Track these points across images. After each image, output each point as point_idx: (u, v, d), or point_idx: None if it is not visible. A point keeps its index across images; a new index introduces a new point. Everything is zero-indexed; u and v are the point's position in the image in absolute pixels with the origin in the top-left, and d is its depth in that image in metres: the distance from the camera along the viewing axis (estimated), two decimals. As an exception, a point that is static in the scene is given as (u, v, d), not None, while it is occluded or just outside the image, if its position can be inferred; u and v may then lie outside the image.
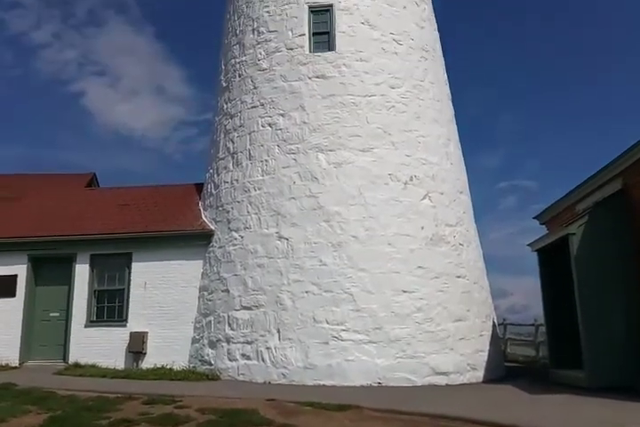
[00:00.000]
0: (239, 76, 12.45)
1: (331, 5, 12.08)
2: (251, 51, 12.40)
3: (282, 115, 11.59)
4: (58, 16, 47.32)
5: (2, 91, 43.75)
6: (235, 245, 11.22)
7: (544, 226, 12.31)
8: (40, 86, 46.43)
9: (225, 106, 12.64)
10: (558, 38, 41.78)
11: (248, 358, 10.29)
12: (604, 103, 42.77)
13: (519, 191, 50.21)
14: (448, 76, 13.44)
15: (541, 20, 42.47)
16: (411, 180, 11.17)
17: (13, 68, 44.84)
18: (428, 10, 13.23)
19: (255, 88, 12.07)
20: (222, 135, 12.44)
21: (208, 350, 10.90)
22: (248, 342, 10.37)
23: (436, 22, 13.62)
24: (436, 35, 13.42)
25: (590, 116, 43.96)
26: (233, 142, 12.07)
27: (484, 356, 10.94)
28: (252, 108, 11.97)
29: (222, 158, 12.20)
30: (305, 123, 11.39)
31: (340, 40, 11.87)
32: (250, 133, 11.82)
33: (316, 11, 12.16)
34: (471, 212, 12.51)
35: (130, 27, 51.12)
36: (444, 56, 13.47)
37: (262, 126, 11.72)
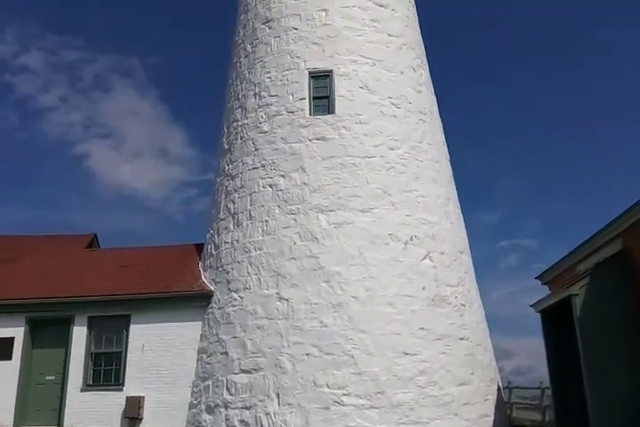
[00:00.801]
0: (241, 139, 12.71)
1: (330, 71, 12.47)
2: (252, 114, 12.72)
3: (282, 176, 11.76)
4: (65, 80, 48.86)
5: (7, 153, 44.55)
6: (234, 306, 11.12)
7: (546, 286, 12.26)
8: (45, 148, 47.34)
9: (226, 167, 12.84)
10: (557, 96, 42.84)
11: (246, 424, 10.00)
12: (604, 162, 43.42)
13: (520, 250, 50.14)
14: (446, 137, 13.74)
15: (539, 78, 43.68)
16: (411, 240, 11.20)
17: (19, 131, 45.86)
18: (424, 75, 13.65)
19: (256, 150, 12.30)
20: (223, 196, 12.58)
21: (205, 416, 10.60)
22: (247, 408, 10.10)
23: (434, 86, 14.04)
24: (433, 98, 13.79)
25: (590, 175, 44.53)
26: (234, 203, 12.18)
27: (490, 421, 10.63)
28: (253, 169, 12.16)
29: (223, 219, 12.28)
30: (305, 184, 11.54)
31: (339, 104, 12.18)
32: (251, 194, 11.95)
33: (315, 76, 12.55)
34: (472, 272, 12.47)
35: (135, 90, 52.70)
36: (441, 118, 13.81)
37: (263, 187, 11.86)
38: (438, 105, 13.82)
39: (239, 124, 12.93)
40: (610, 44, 40.60)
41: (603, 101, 42.09)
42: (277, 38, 13.06)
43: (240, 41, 13.89)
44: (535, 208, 46.58)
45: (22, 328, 12.11)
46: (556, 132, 43.92)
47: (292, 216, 11.33)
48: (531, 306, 10.97)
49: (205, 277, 12.20)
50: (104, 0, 43.39)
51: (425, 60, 14.01)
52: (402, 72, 12.91)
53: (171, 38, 45.09)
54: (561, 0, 41.47)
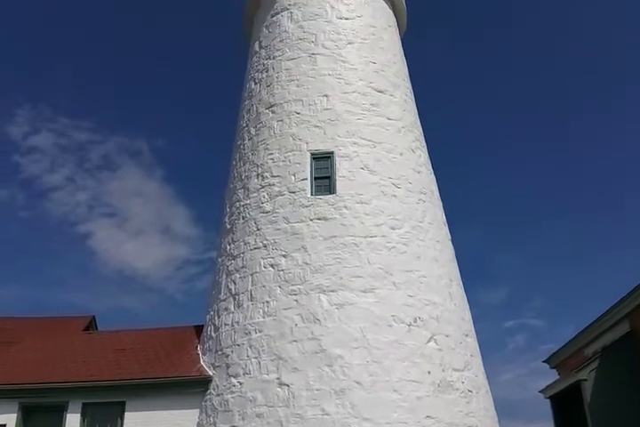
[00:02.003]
0: (243, 219, 12.79)
1: (331, 153, 12.76)
2: (255, 194, 12.88)
3: (284, 256, 11.72)
4: (72, 161, 49.86)
5: (9, 231, 44.82)
6: (233, 392, 10.73)
7: (554, 369, 11.91)
8: (48, 227, 47.59)
9: (228, 247, 12.84)
10: (556, 172, 43.32)
11: None
12: (609, 233, 43.25)
13: (526, 330, 48.99)
14: (447, 216, 13.83)
15: (536, 154, 44.46)
16: (415, 321, 10.98)
17: (24, 210, 46.33)
18: (423, 156, 13.94)
19: (258, 230, 12.34)
20: (224, 276, 12.50)
21: None
22: None
23: (433, 166, 14.30)
24: (433, 178, 14.01)
25: (596, 251, 44.27)
26: (235, 283, 12.08)
27: None
28: (255, 249, 12.14)
29: (223, 300, 12.13)
30: (307, 264, 11.48)
31: (340, 184, 12.35)
32: (252, 274, 11.86)
33: (317, 157, 12.81)
34: (479, 355, 12.13)
35: (141, 170, 53.69)
36: (441, 198, 13.96)
37: (264, 267, 11.80)
38: (438, 185, 14.03)
39: (241, 204, 13.07)
40: (609, 103, 41.41)
41: (604, 169, 42.52)
42: (280, 122, 13.46)
43: (244, 124, 14.31)
44: (540, 284, 45.97)
45: (15, 415, 11.62)
46: (558, 204, 44.11)
47: (294, 297, 11.19)
48: (540, 392, 10.62)
49: (204, 362, 11.87)
50: (116, 87, 44.94)
51: (423, 141, 14.36)
52: (401, 153, 13.19)
53: (178, 122, 46.53)
54: (558, 66, 42.81)
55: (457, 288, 12.47)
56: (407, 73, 15.36)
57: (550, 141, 42.89)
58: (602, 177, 41.22)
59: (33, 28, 43.15)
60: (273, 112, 13.70)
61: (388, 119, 13.52)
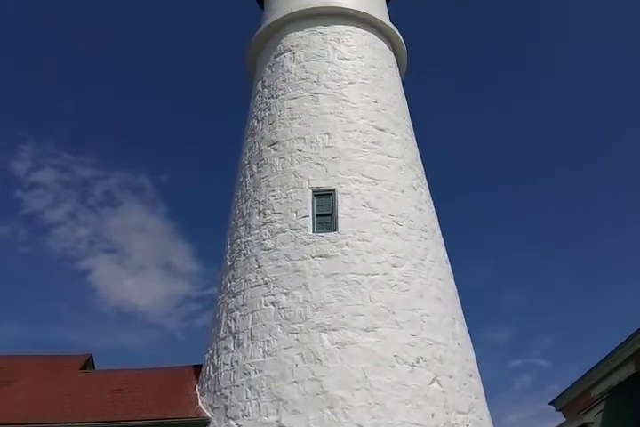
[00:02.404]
0: (244, 256, 12.74)
1: (333, 190, 12.80)
2: (256, 231, 12.87)
3: (285, 293, 11.62)
4: (75, 197, 50.07)
5: (10, 268, 44.61)
6: (232, 435, 10.48)
7: (560, 412, 11.64)
8: (48, 264, 47.39)
9: (228, 284, 12.75)
10: (559, 208, 43.29)
11: None
12: (614, 270, 42.92)
13: (533, 370, 48.11)
14: (449, 254, 13.78)
15: (535, 191, 44.57)
16: (417, 362, 10.79)
17: (25, 245, 46.22)
18: (425, 194, 13.99)
19: (259, 267, 12.28)
20: (224, 314, 12.36)
21: None
22: None
23: (434, 204, 14.32)
24: (434, 216, 14.01)
25: (601, 289, 43.85)
26: (235, 321, 11.93)
27: None
28: (256, 286, 12.05)
29: (223, 338, 11.96)
30: (308, 302, 11.37)
31: (342, 221, 12.35)
32: (252, 312, 11.73)
33: (319, 194, 12.85)
34: (483, 397, 11.87)
35: (143, 206, 53.84)
36: (443, 235, 13.93)
37: (265, 305, 11.68)
38: (440, 223, 14.03)
39: (243, 240, 13.04)
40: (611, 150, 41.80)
41: (605, 207, 42.52)
42: (282, 159, 13.56)
43: (247, 162, 14.42)
44: (546, 322, 45.40)
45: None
46: (562, 243, 43.87)
47: (295, 336, 11.03)
48: (547, 435, 10.36)
49: (202, 403, 11.61)
50: (120, 122, 45.49)
51: (424, 179, 14.44)
52: (403, 191, 13.24)
53: (181, 158, 46.96)
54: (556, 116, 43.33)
55: (460, 327, 12.31)
56: (408, 112, 15.56)
57: (553, 177, 43.00)
58: (608, 211, 41.21)
59: (39, 64, 44.01)
60: (275, 149, 13.82)
61: (390, 157, 13.62)
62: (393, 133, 14.12)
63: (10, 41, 41.71)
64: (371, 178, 13.06)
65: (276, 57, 15.50)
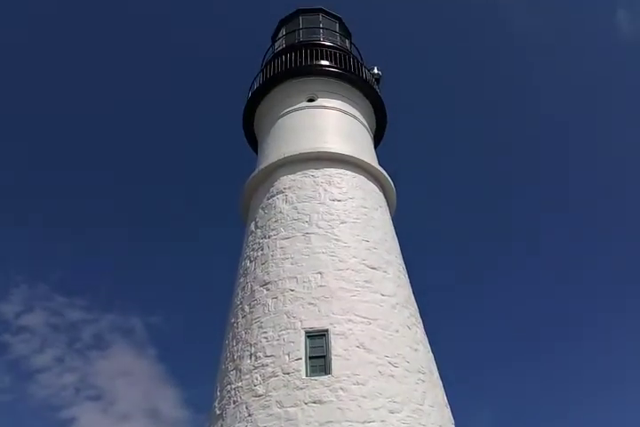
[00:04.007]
0: (234, 403, 12.15)
1: (326, 330, 12.58)
2: (247, 376, 12.40)
3: (277, 444, 10.92)
4: (63, 340, 48.75)
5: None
6: None
7: None
8: (30, 412, 44.72)
9: (217, 435, 12.01)
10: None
11: None
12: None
13: None
14: (448, 397, 13.18)
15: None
16: None
17: (7, 393, 43.98)
18: (420, 333, 13.74)
19: (250, 415, 11.66)
20: (212, 469, 11.50)
21: None
22: None
23: (430, 343, 14.01)
24: (431, 356, 13.64)
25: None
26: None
27: None
28: (246, 437, 11.35)
29: None
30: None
31: (335, 363, 11.98)
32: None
33: (312, 336, 12.60)
34: None
35: (133, 349, 52.38)
36: (441, 377, 13.44)
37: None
38: (437, 363, 13.61)
39: (233, 386, 12.52)
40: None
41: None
42: (275, 299, 13.49)
43: (238, 302, 14.33)
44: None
45: None
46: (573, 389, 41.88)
47: None
48: None
49: None
50: (114, 263, 45.62)
51: (419, 318, 14.27)
52: (397, 330, 13.01)
53: (173, 299, 46.44)
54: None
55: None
56: (399, 250, 15.81)
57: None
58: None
59: (35, 209, 45.23)
60: (267, 289, 13.80)
61: (382, 295, 13.58)
62: (385, 272, 14.21)
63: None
64: (364, 317, 12.90)
65: (268, 199, 16.08)
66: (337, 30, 22.12)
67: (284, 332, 12.76)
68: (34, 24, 44.16)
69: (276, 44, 21.98)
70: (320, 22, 21.92)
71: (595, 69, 43.70)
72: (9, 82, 44.08)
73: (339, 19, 22.57)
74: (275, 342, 12.65)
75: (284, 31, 22.19)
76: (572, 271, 42.54)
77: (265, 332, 12.97)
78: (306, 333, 12.63)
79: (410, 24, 46.03)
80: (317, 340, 12.54)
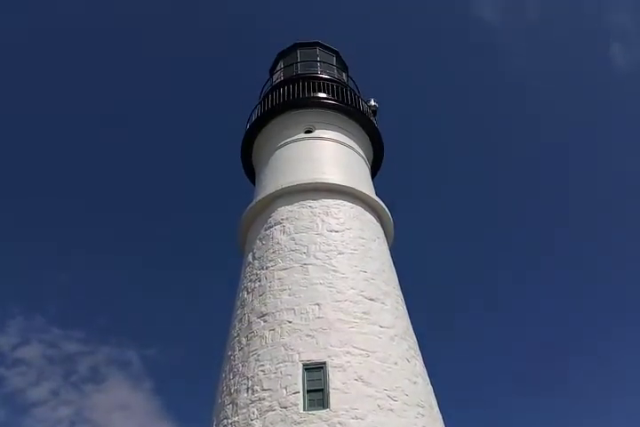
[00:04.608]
0: (230, 440, 11.91)
1: (324, 363, 12.41)
2: (244, 410, 12.19)
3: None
4: (59, 373, 48.03)
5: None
6: None
7: None
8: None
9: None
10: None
11: None
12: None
13: None
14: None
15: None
16: None
17: (0, 427, 43.10)
18: (419, 365, 13.56)
19: (246, 453, 11.42)
20: None
21: None
22: None
23: (429, 376, 13.82)
24: (430, 389, 13.45)
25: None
26: None
27: None
28: (242, 474, 11.10)
29: None
30: None
31: (334, 397, 11.80)
32: None
33: (309, 368, 12.43)
34: None
35: (129, 383, 51.61)
36: (441, 411, 13.23)
37: None
38: (437, 397, 13.41)
39: (229, 421, 12.29)
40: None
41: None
42: (272, 331, 13.35)
43: (236, 334, 14.18)
44: None
45: None
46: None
47: None
48: None
49: None
50: (112, 294, 45.26)
51: (418, 350, 14.11)
52: (396, 363, 12.85)
53: (171, 331, 45.86)
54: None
55: None
56: (397, 280, 15.74)
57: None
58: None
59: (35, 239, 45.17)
60: (265, 321, 13.67)
61: (381, 327, 13.45)
62: (383, 303, 14.11)
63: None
64: (362, 350, 12.75)
65: (266, 229, 16.06)
66: (334, 63, 22.48)
67: (281, 365, 12.60)
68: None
69: (274, 77, 22.32)
70: (317, 56, 22.29)
71: (591, 103, 44.38)
72: None
73: (336, 52, 22.97)
74: (272, 376, 12.48)
75: (282, 64, 22.55)
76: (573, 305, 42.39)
77: (262, 365, 12.80)
78: (303, 365, 12.47)
79: (407, 57, 46.83)
80: (315, 373, 12.37)
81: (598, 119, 44.05)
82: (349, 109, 19.54)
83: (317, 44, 22.71)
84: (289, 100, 19.42)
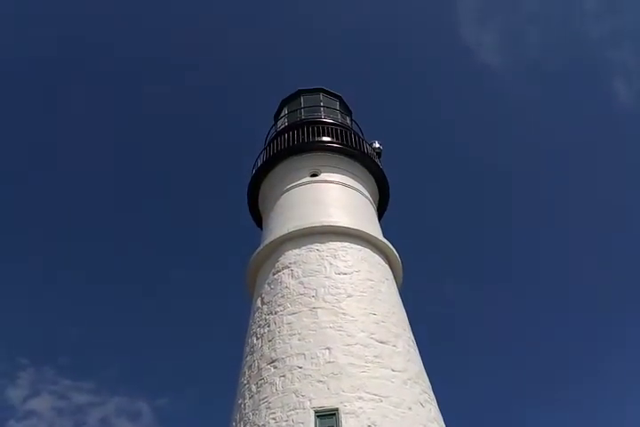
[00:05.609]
0: None
1: (336, 409, 12.11)
2: (255, 460, 11.88)
3: None
4: (68, 425, 47.21)
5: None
6: None
7: None
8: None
9: None
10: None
11: None
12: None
13: None
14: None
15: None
16: None
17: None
18: (433, 410, 13.22)
19: None
20: None
21: None
22: None
23: (445, 421, 13.47)
24: (444, 433, 13.09)
25: None
26: None
27: None
28: None
29: None
30: None
31: (347, 445, 11.47)
32: None
33: (321, 415, 12.12)
34: None
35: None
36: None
37: None
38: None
39: (241, 469, 11.96)
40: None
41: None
42: (283, 377, 13.12)
43: (245, 382, 13.94)
44: None
45: None
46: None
47: None
48: None
49: None
50: (120, 341, 44.91)
51: (432, 394, 13.79)
52: (410, 408, 12.53)
53: (180, 381, 44.91)
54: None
55: None
56: (407, 322, 15.54)
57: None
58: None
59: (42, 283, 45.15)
60: (275, 367, 13.46)
61: (393, 371, 13.19)
62: (394, 346, 13.89)
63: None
64: (375, 395, 12.47)
65: (274, 274, 16.02)
66: (337, 108, 22.91)
67: (292, 412, 12.32)
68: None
69: (279, 123, 22.72)
70: (321, 101, 22.75)
71: (593, 139, 44.66)
72: None
73: (339, 97, 23.44)
74: (283, 424, 12.19)
75: (286, 110, 23.00)
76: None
77: (273, 413, 12.53)
78: (315, 412, 12.18)
79: (410, 99, 47.66)
80: (327, 420, 12.07)
81: (599, 159, 44.20)
82: (353, 152, 19.80)
83: (321, 90, 23.24)
84: (294, 144, 19.73)
